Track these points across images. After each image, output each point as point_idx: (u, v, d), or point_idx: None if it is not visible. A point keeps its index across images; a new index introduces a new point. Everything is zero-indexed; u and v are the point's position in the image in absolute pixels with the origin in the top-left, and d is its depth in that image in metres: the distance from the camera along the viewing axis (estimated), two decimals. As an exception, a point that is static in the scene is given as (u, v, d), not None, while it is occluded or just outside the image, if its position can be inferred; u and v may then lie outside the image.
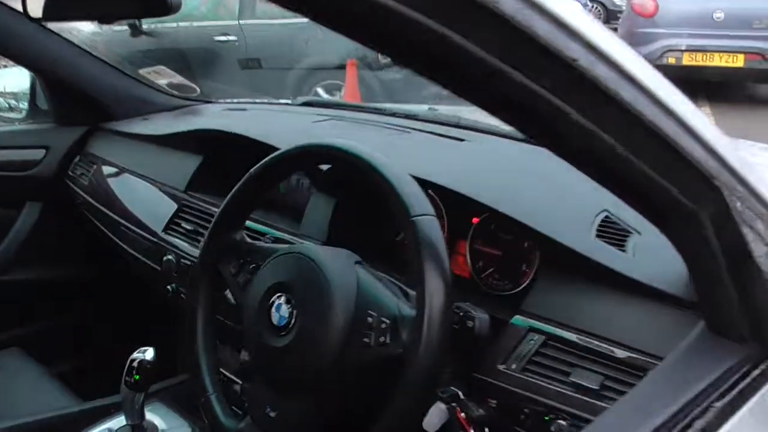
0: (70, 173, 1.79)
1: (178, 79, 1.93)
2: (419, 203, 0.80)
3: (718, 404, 0.63)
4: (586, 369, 0.83)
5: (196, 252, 1.30)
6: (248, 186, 0.97)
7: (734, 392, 0.65)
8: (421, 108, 1.74)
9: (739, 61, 7.17)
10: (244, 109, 1.74)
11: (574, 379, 0.83)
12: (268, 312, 0.89)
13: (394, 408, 0.76)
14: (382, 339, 0.80)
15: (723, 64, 7.12)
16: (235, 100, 1.90)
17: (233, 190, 0.99)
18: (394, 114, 1.60)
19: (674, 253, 0.82)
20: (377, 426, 0.77)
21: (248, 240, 1.01)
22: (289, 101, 1.95)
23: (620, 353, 0.82)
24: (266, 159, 0.96)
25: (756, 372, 0.67)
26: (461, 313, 0.86)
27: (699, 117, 0.60)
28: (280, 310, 0.87)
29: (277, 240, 1.08)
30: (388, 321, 0.81)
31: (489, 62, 0.45)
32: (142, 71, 1.87)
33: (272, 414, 0.89)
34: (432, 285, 0.76)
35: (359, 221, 1.16)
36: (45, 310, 1.82)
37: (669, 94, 0.57)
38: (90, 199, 1.65)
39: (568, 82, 0.49)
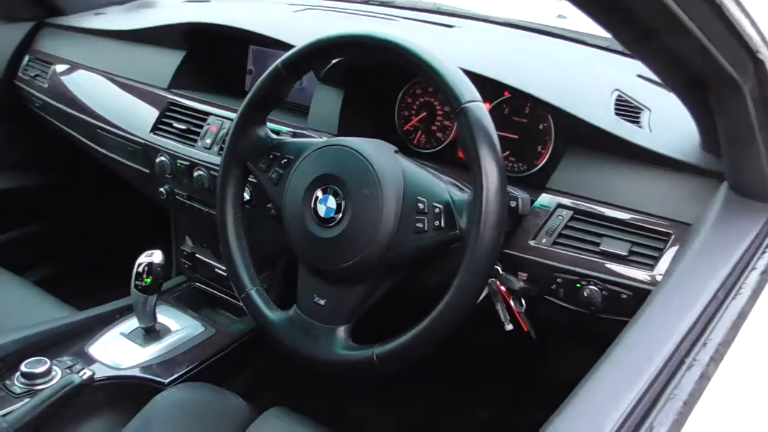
0: (20, 75, 1.67)
1: (128, -32, 1.79)
2: (468, 91, 0.82)
3: (759, 248, 0.71)
4: (614, 238, 0.91)
5: (192, 152, 1.28)
6: (276, 77, 0.95)
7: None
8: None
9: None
10: (207, 0, 1.66)
11: (603, 248, 0.90)
12: (312, 203, 0.91)
13: (457, 287, 0.81)
14: (437, 223, 0.84)
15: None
16: (189, -9, 1.80)
17: (259, 82, 0.97)
18: (367, 1, 1.57)
19: (685, 126, 0.89)
20: (441, 305, 0.82)
21: (273, 135, 1.00)
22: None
23: (646, 221, 0.89)
24: (297, 48, 0.94)
25: None
26: None
27: None
28: (327, 201, 0.89)
29: (296, 135, 1.07)
30: (440, 206, 0.84)
31: None
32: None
33: (321, 302, 0.92)
34: (488, 167, 0.79)
35: (369, 113, 1.17)
36: (8, 221, 1.75)
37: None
38: (54, 102, 1.56)
39: None
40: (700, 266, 0.71)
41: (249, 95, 0.99)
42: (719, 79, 0.71)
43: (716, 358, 0.57)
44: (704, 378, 0.55)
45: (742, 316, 0.62)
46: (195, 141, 1.28)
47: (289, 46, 1.05)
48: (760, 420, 0.61)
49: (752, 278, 0.68)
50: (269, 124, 1.05)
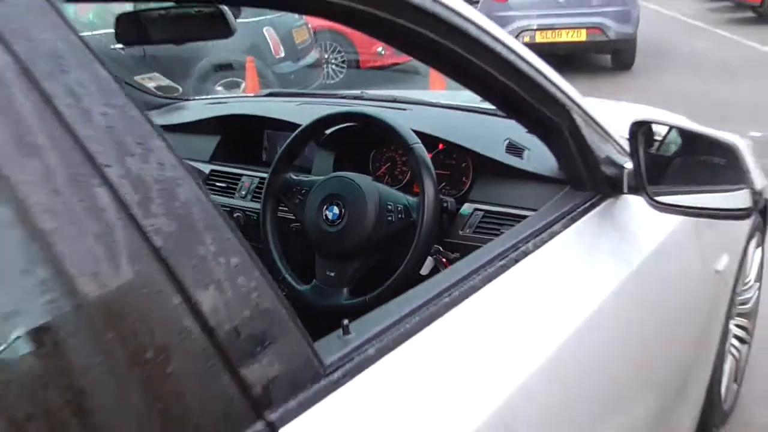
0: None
1: (165, 81, 2.40)
2: (411, 136, 1.42)
3: (569, 216, 1.28)
4: (510, 225, 1.48)
5: (231, 201, 1.85)
6: (298, 139, 1.54)
7: (579, 210, 1.30)
8: (355, 92, 2.32)
9: (582, 36, 8.19)
10: (225, 102, 2.27)
11: (503, 231, 1.47)
12: (323, 212, 1.47)
13: (412, 251, 1.37)
14: (400, 216, 1.41)
15: (569, 39, 8.12)
16: (209, 97, 2.42)
17: (286, 144, 1.56)
18: (344, 97, 2.20)
19: (548, 156, 1.48)
20: (402, 267, 1.38)
21: (294, 177, 1.59)
22: (253, 95, 2.49)
23: (527, 213, 1.47)
24: (314, 120, 1.54)
25: (591, 201, 1.33)
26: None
27: (551, 71, 1.25)
28: (332, 210, 1.46)
29: (307, 179, 1.65)
30: (401, 206, 1.42)
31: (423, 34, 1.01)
32: (138, 77, 2.34)
33: (331, 274, 1.48)
34: (427, 182, 1.38)
35: (352, 166, 1.76)
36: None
37: (532, 56, 1.20)
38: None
39: (479, 49, 1.09)
40: (518, 229, 1.25)
41: (279, 153, 1.57)
42: (551, 124, 1.31)
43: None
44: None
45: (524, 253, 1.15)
46: (233, 194, 1.86)
47: (296, 126, 1.64)
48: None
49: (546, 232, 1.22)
50: (287, 176, 1.62)
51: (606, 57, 8.76)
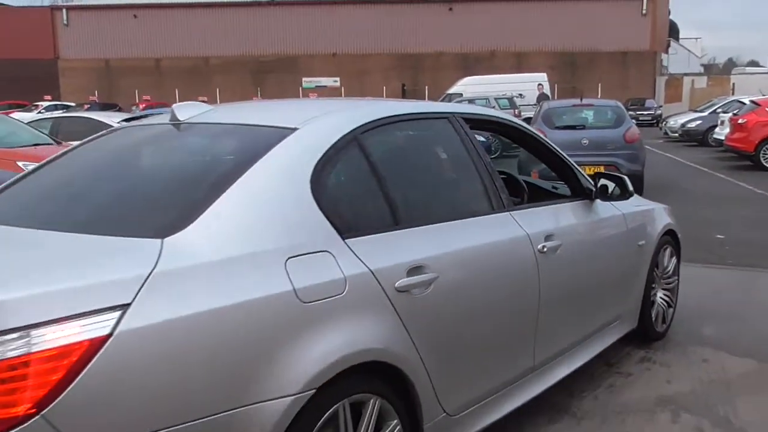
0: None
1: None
2: (521, 181, 4.03)
3: (570, 202, 3.84)
4: (552, 212, 4.06)
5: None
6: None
7: (575, 202, 3.86)
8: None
9: (600, 170, 10.88)
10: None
11: (549, 214, 4.05)
12: None
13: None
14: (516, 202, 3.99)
15: (591, 173, 10.80)
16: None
17: None
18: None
19: (566, 189, 4.08)
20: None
21: None
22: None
23: (559, 208, 4.06)
24: None
25: (580, 200, 3.89)
26: None
27: (566, 155, 3.90)
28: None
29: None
30: (516, 200, 4.00)
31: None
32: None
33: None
34: (524, 194, 3.97)
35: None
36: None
37: (559, 150, 3.86)
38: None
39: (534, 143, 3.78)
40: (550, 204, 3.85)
41: None
42: (564, 173, 3.94)
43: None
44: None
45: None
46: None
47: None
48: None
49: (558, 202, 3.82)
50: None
51: (621, 187, 11.37)
